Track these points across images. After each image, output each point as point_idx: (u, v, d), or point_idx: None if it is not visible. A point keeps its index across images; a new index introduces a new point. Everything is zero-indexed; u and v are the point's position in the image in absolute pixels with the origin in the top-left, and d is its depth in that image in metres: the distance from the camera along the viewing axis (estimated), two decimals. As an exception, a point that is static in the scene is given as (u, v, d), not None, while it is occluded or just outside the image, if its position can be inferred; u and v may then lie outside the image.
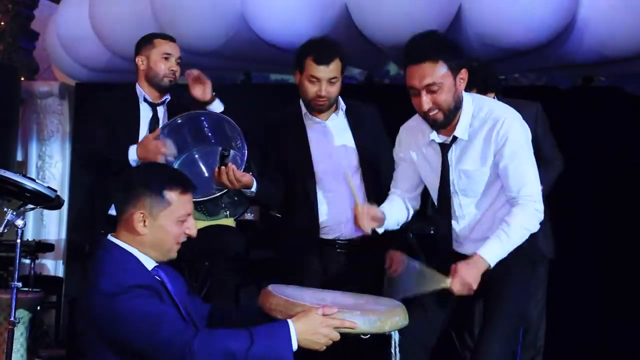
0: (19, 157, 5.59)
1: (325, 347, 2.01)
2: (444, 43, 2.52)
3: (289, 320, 1.98)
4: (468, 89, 2.66)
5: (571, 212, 3.78)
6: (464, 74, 2.53)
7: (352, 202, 2.99)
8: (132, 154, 3.12)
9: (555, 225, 3.42)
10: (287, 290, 2.21)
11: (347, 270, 3.07)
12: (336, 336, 2.00)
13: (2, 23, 5.50)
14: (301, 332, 1.96)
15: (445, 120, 2.53)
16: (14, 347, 3.42)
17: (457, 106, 2.53)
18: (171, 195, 2.10)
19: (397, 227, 2.80)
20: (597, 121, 4.50)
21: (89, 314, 2.02)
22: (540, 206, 2.51)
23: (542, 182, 3.21)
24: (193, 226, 2.18)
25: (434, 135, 2.60)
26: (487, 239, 2.49)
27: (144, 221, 2.09)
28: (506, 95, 3.43)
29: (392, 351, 2.30)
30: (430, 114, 2.50)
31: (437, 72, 2.45)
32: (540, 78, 4.92)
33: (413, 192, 2.80)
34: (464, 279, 2.40)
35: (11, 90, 5.22)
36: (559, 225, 3.44)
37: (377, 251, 3.16)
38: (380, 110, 3.23)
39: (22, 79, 5.49)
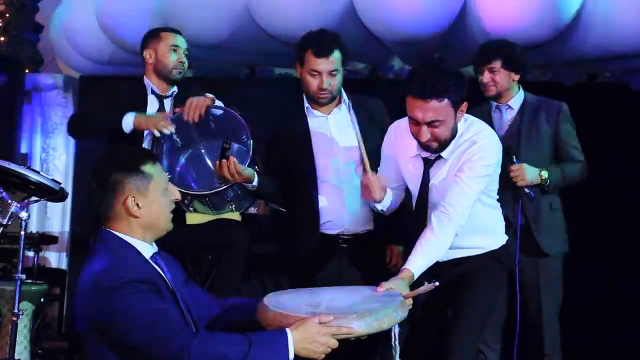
0: (23, 150, 5.60)
1: (324, 355, 2.01)
2: (451, 79, 2.51)
3: (287, 329, 1.98)
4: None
5: (576, 207, 3.76)
6: (464, 106, 2.58)
7: (354, 198, 3.00)
8: (129, 117, 3.12)
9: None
10: (283, 299, 2.21)
11: (350, 265, 3.06)
12: (334, 344, 2.00)
13: (7, 15, 5.50)
14: (298, 340, 1.96)
15: (438, 149, 2.61)
16: (17, 339, 3.44)
17: (453, 136, 2.61)
18: (148, 168, 2.11)
19: (387, 211, 2.88)
20: (602, 117, 4.49)
21: (86, 308, 2.01)
22: (463, 221, 2.57)
23: (555, 177, 3.23)
24: (175, 190, 2.22)
25: (420, 151, 2.68)
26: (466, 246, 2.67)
27: (137, 203, 2.09)
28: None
29: (393, 344, 2.31)
30: (427, 143, 2.57)
31: (442, 110, 2.49)
32: (545, 74, 4.90)
33: (400, 186, 2.87)
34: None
35: (15, 83, 5.23)
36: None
37: (379, 246, 3.18)
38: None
39: (27, 71, 5.50)
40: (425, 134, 2.53)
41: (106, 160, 2.16)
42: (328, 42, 2.98)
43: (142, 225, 2.11)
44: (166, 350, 1.92)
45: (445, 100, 2.47)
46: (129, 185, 2.08)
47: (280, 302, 2.16)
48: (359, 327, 2.02)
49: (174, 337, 1.92)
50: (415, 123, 2.54)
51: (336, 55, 2.98)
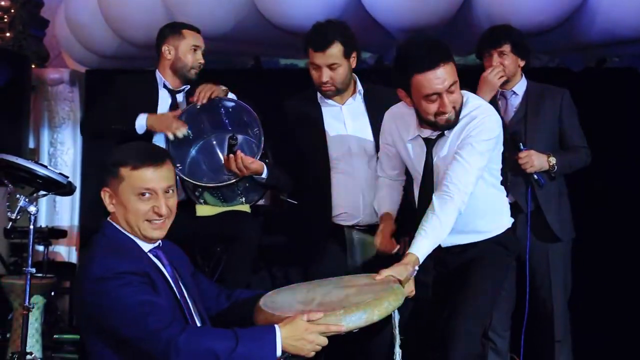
0: (31, 145, 5.62)
1: (314, 353, 2.02)
2: (446, 45, 2.50)
3: (276, 326, 1.99)
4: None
5: (584, 193, 3.77)
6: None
7: (369, 189, 2.98)
8: (142, 119, 3.11)
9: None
10: (278, 298, 2.22)
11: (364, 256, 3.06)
12: (324, 341, 2.01)
13: (12, 11, 5.51)
14: (286, 337, 1.97)
15: (455, 120, 2.55)
16: (28, 332, 3.46)
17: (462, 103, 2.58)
18: (124, 170, 2.11)
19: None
20: (611, 103, 4.47)
21: (80, 298, 2.04)
22: (466, 199, 2.50)
23: (562, 163, 3.22)
24: (161, 204, 2.12)
25: (420, 131, 2.64)
26: (470, 232, 2.66)
27: (111, 199, 2.13)
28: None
29: (394, 332, 2.31)
30: (448, 114, 2.51)
31: (453, 71, 2.48)
32: (553, 60, 4.87)
33: (400, 173, 2.87)
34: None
35: (22, 78, 5.24)
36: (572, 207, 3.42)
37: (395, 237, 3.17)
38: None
39: (33, 66, 5.50)
40: (449, 103, 2.49)
41: (114, 149, 2.25)
42: (325, 36, 2.93)
43: (126, 222, 2.13)
44: (154, 343, 1.93)
45: (451, 62, 2.48)
46: (107, 179, 2.14)
47: (274, 301, 2.17)
48: (348, 322, 2.02)
49: (161, 330, 1.93)
50: (434, 99, 2.50)
51: (334, 48, 2.93)
